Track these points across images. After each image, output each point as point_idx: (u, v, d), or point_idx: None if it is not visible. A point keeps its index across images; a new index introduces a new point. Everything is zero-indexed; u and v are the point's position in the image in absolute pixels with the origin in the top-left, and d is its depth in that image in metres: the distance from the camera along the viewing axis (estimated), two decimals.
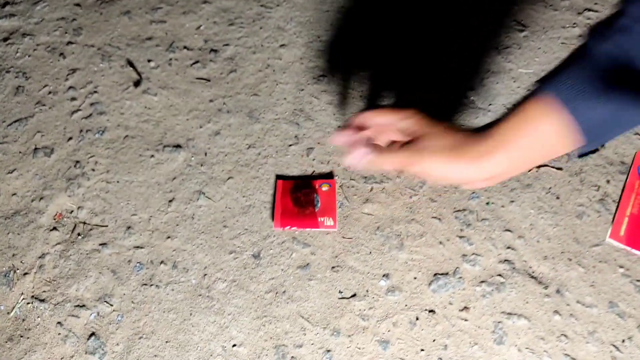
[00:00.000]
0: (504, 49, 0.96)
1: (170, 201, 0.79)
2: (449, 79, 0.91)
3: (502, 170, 0.55)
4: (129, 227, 0.76)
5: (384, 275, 0.71)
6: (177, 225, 0.76)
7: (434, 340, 0.67)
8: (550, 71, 0.53)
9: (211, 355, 0.66)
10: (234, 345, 0.67)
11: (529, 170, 0.80)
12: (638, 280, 0.71)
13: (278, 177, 0.81)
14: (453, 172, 0.56)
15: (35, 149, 0.85)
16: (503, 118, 0.55)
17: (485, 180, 0.57)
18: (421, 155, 0.57)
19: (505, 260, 0.73)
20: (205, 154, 0.84)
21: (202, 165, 0.82)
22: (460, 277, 0.71)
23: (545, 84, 0.53)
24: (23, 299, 0.71)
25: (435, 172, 0.57)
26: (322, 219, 0.75)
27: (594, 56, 0.51)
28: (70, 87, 0.93)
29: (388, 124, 0.62)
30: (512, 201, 0.77)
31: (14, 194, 0.81)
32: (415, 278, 0.71)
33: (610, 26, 0.52)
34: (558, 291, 0.70)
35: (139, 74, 0.94)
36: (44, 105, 0.91)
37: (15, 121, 0.89)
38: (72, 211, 0.78)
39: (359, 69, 0.93)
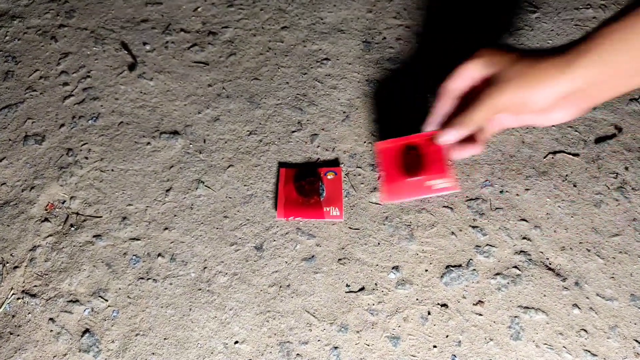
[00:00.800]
0: (516, 30, 0.92)
1: (167, 190, 0.75)
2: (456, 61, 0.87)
3: (593, 81, 0.46)
4: (124, 218, 0.72)
5: (393, 268, 0.68)
6: (175, 215, 0.73)
7: (447, 336, 0.63)
8: None
9: (212, 353, 0.62)
10: (236, 342, 0.63)
11: (547, 157, 0.77)
12: None
13: (281, 164, 0.77)
14: (533, 92, 0.48)
15: (26, 136, 0.81)
16: (593, 32, 0.47)
17: (573, 105, 0.49)
18: (493, 95, 0.51)
19: (521, 251, 0.69)
20: (204, 141, 0.80)
21: (200, 152, 0.78)
22: (474, 270, 0.68)
23: None
24: (13, 294, 0.67)
25: (514, 103, 0.50)
26: (328, 209, 0.72)
27: None
28: (62, 72, 0.88)
29: (468, 82, 0.58)
30: (528, 189, 0.74)
31: (4, 184, 0.77)
32: (426, 270, 0.68)
33: None
34: (577, 283, 0.67)
35: (134, 57, 0.89)
36: (34, 90, 0.86)
37: (4, 107, 0.84)
38: (64, 201, 0.74)
39: (364, 52, 0.89)
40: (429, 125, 0.64)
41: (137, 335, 0.64)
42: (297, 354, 0.62)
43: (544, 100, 0.49)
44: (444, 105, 0.62)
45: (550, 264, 0.68)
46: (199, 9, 0.96)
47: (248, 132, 0.81)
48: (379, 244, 0.70)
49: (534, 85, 0.48)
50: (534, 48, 0.55)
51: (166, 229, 0.71)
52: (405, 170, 0.66)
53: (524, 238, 0.70)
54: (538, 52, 0.50)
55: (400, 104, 0.83)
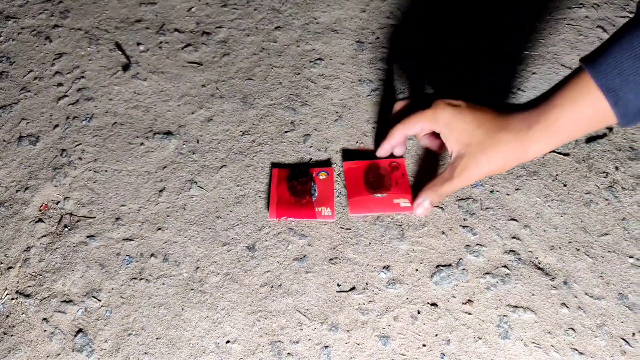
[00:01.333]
0: (508, 30, 0.92)
1: (160, 191, 0.75)
2: (450, 61, 0.88)
3: (542, 153, 0.58)
4: (117, 219, 0.73)
5: (384, 267, 0.69)
6: (168, 216, 0.73)
7: (436, 335, 0.64)
8: (596, 48, 0.52)
9: (204, 352, 0.63)
10: (228, 342, 0.64)
11: None
12: None
13: (273, 165, 0.77)
14: (497, 171, 0.60)
15: (20, 137, 0.82)
16: (539, 101, 0.56)
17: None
18: (465, 178, 0.61)
19: (511, 250, 0.70)
20: (198, 142, 0.80)
21: (194, 153, 0.79)
22: (464, 269, 0.68)
23: (589, 67, 0.51)
24: (7, 294, 0.68)
25: (483, 177, 0.61)
26: (320, 209, 0.72)
27: None
28: (56, 72, 0.89)
29: (420, 131, 0.67)
30: (518, 189, 0.74)
31: None
32: (416, 270, 0.68)
33: None
34: (565, 283, 0.67)
35: (127, 57, 0.90)
36: (29, 91, 0.87)
37: None
38: (58, 202, 0.75)
39: (357, 52, 0.90)
40: (380, 152, 0.73)
41: (129, 335, 0.64)
42: (288, 353, 0.63)
43: (504, 171, 0.61)
44: (393, 141, 0.70)
45: (539, 263, 0.69)
46: (193, 9, 0.96)
47: (241, 133, 0.81)
48: (370, 243, 0.70)
49: (497, 166, 0.59)
50: (484, 105, 0.62)
51: (159, 229, 0.72)
52: (371, 188, 0.73)
53: (513, 237, 0.71)
54: (493, 120, 0.60)
55: (392, 104, 0.83)
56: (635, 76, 0.48)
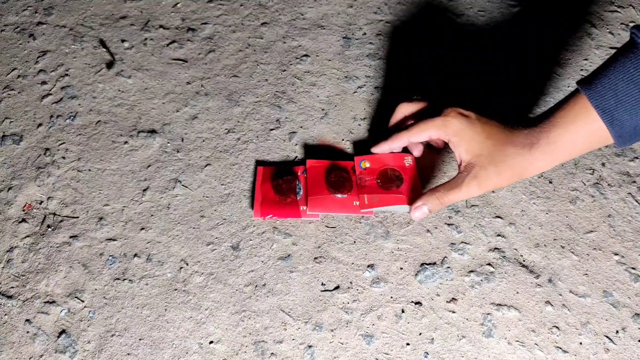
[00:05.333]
0: (496, 24, 0.91)
1: (144, 190, 0.75)
2: (440, 56, 0.87)
3: (542, 171, 0.60)
4: (101, 219, 0.73)
5: (368, 266, 0.68)
6: (152, 215, 0.73)
7: (420, 334, 0.64)
8: (593, 71, 0.55)
9: (187, 353, 0.63)
10: (211, 342, 0.63)
11: None
12: (633, 268, 0.68)
13: (258, 163, 0.77)
14: (503, 184, 0.61)
15: (4, 136, 0.81)
16: (541, 119, 0.59)
17: None
18: (474, 188, 0.61)
19: (495, 248, 0.69)
20: (182, 140, 0.80)
21: (178, 151, 0.78)
22: (448, 267, 0.68)
23: (585, 89, 0.54)
24: None
25: (489, 189, 0.62)
26: (305, 208, 0.72)
27: None
28: (40, 71, 0.88)
29: (427, 138, 0.67)
30: None
31: None
32: (401, 268, 0.68)
33: None
34: (550, 280, 0.67)
35: (112, 55, 0.89)
36: (12, 89, 0.86)
37: None
38: (41, 202, 0.74)
39: (344, 48, 0.89)
40: (376, 149, 0.72)
41: (112, 335, 0.64)
42: (272, 353, 0.63)
43: (507, 185, 0.62)
44: (393, 145, 0.70)
45: (524, 261, 0.69)
46: (179, 5, 0.95)
47: (226, 131, 0.80)
48: (354, 242, 0.70)
49: (505, 178, 0.60)
50: (494, 116, 0.63)
51: (143, 229, 0.72)
52: (332, 188, 0.72)
53: (498, 235, 0.70)
54: (501, 133, 0.61)
55: (378, 101, 0.83)
56: (629, 97, 0.51)
